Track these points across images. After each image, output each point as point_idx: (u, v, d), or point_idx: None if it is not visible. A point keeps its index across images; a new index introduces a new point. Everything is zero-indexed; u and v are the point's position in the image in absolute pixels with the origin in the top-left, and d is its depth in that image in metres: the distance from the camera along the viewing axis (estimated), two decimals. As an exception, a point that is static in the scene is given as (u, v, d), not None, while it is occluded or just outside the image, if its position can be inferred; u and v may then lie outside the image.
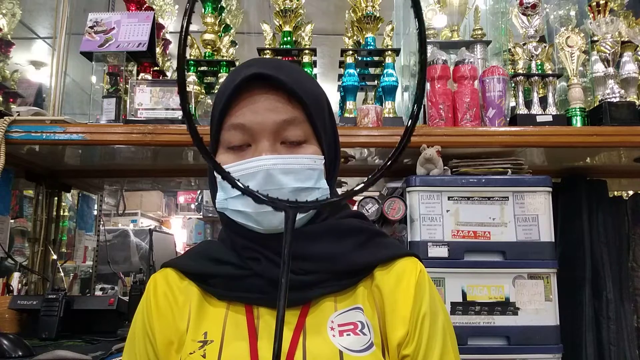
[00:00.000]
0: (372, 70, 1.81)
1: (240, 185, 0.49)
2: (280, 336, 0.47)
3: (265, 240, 0.65)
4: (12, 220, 2.35)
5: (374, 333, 0.64)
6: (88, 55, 1.55)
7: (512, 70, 1.69)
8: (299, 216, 0.62)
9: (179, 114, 1.47)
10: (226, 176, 0.49)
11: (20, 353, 1.21)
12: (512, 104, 1.60)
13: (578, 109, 1.55)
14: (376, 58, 1.72)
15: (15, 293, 1.71)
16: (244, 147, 0.65)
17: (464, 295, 1.30)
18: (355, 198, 1.60)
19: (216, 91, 1.69)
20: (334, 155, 0.70)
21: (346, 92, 1.63)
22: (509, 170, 1.40)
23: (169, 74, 1.97)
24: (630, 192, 2.03)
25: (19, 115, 1.41)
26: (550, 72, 1.64)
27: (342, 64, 1.71)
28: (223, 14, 1.86)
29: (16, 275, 1.78)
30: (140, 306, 0.71)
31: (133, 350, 0.68)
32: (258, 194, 0.50)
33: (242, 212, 0.64)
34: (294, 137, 0.64)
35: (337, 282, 0.66)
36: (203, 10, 1.79)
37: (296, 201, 0.50)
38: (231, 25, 1.93)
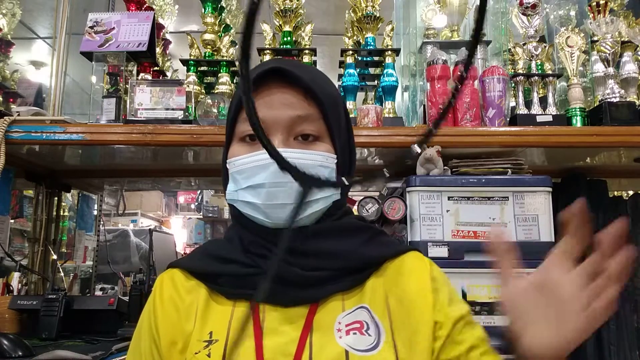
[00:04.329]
0: (372, 70, 1.81)
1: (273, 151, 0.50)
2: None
3: (273, 236, 0.64)
4: (12, 220, 2.34)
5: (385, 331, 0.63)
6: (88, 55, 1.55)
7: (512, 70, 1.69)
8: (311, 211, 0.64)
9: (178, 114, 1.47)
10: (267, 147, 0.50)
11: (20, 353, 1.20)
12: (512, 104, 1.60)
13: (578, 109, 1.55)
14: (376, 58, 1.72)
15: (15, 293, 1.71)
16: (256, 139, 0.65)
17: (464, 295, 1.29)
18: (355, 198, 1.60)
19: (216, 91, 1.69)
20: (348, 157, 0.70)
21: (346, 92, 1.63)
22: (509, 170, 1.40)
23: (168, 74, 1.97)
24: (630, 192, 2.03)
25: (19, 115, 1.41)
26: (550, 72, 1.64)
27: (342, 64, 1.71)
28: (223, 14, 1.86)
29: (16, 275, 1.78)
30: (147, 306, 0.71)
31: (138, 349, 0.69)
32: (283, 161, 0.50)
33: (251, 204, 0.64)
34: (308, 133, 0.65)
35: (346, 279, 0.66)
36: (203, 10, 1.78)
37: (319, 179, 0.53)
38: (231, 25, 1.93)
